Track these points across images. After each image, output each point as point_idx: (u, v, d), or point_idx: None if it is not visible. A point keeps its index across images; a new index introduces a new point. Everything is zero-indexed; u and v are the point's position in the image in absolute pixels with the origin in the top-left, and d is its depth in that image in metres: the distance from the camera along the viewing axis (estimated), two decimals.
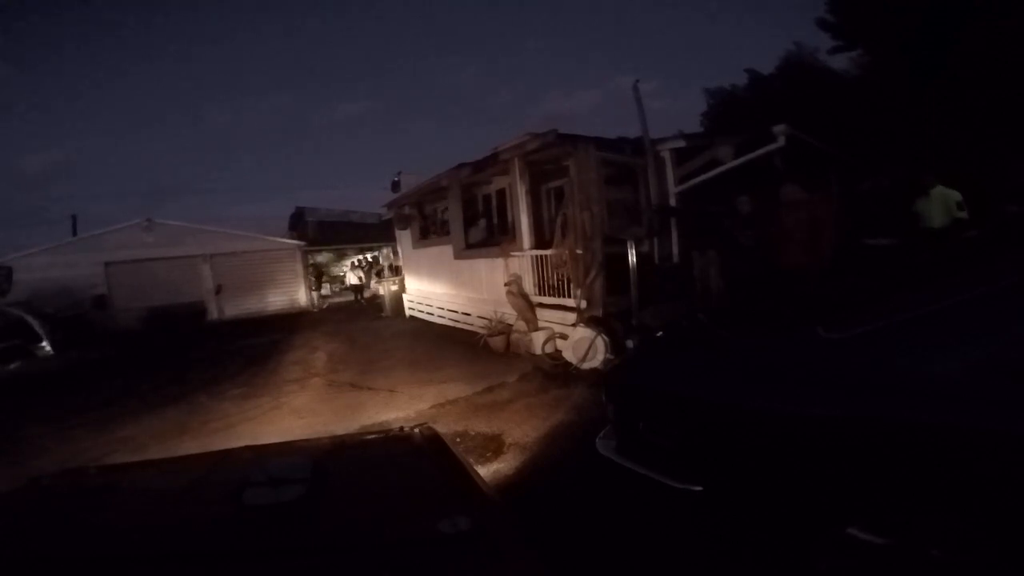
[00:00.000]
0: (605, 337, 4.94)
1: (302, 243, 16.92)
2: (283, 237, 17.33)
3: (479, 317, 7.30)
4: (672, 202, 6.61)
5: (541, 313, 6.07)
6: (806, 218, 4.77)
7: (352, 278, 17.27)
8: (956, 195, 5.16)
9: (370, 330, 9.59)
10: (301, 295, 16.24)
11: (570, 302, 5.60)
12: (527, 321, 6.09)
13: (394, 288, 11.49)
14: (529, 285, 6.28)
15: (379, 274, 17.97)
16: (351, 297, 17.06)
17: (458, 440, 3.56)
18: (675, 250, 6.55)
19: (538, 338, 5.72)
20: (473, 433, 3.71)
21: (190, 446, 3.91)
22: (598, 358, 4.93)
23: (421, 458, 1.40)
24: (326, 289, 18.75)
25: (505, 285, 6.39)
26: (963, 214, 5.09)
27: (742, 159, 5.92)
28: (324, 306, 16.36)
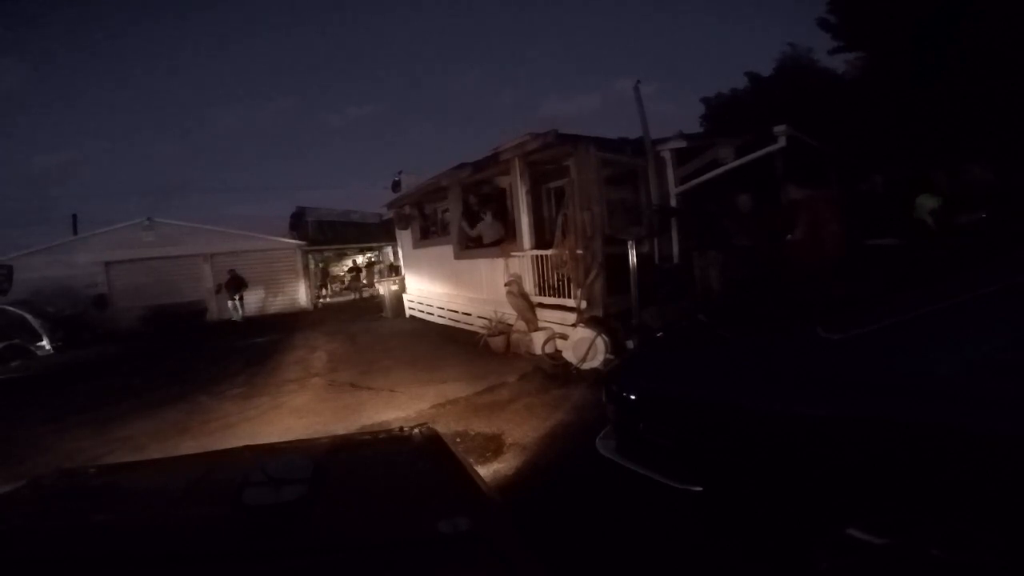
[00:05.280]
0: (605, 337, 4.94)
1: (302, 243, 16.92)
2: (284, 236, 17.34)
3: (479, 317, 7.30)
4: (673, 202, 6.61)
5: (541, 313, 6.07)
6: (810, 217, 4.75)
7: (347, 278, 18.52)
8: (934, 202, 4.97)
9: (370, 330, 9.59)
10: (301, 295, 16.23)
11: (570, 302, 5.60)
12: (527, 321, 6.09)
13: (394, 288, 11.49)
14: (529, 285, 6.28)
15: (355, 278, 18.35)
16: (350, 296, 17.56)
17: (458, 440, 3.56)
18: (675, 250, 6.55)
19: (538, 338, 5.72)
20: (473, 433, 3.71)
21: (190, 446, 3.90)
22: (598, 358, 4.93)
23: (421, 458, 1.40)
24: (327, 289, 18.81)
25: (505, 285, 6.39)
26: (931, 220, 4.89)
27: (743, 160, 5.92)
28: (322, 306, 16.37)
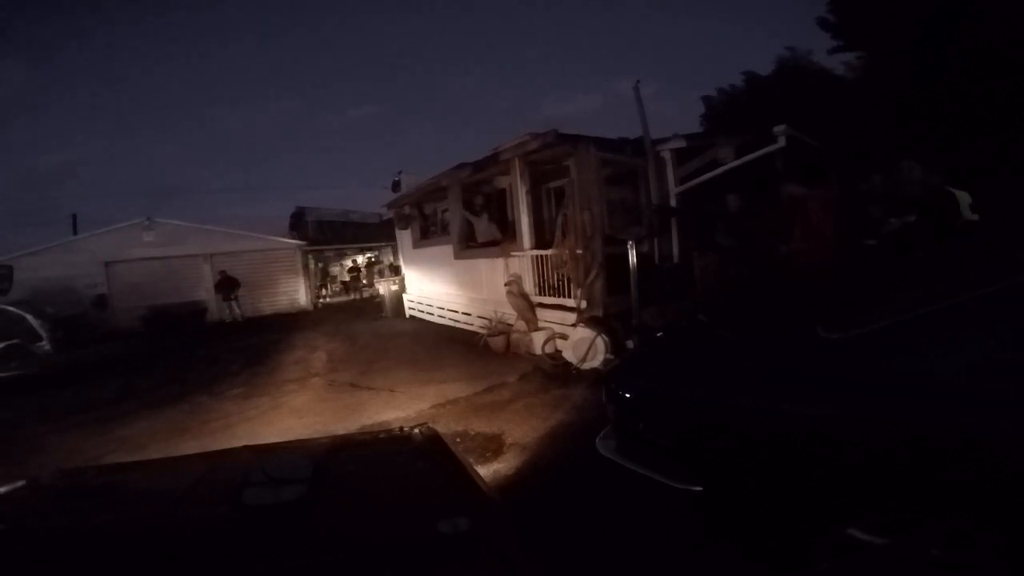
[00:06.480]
0: (605, 337, 4.94)
1: (302, 243, 16.92)
2: (284, 236, 17.33)
3: (479, 317, 7.30)
4: (672, 202, 6.61)
5: (541, 313, 6.07)
6: (806, 217, 4.77)
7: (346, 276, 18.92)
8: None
9: (370, 330, 9.58)
10: (301, 295, 16.22)
11: (570, 302, 5.60)
12: (527, 321, 6.09)
13: (394, 288, 11.49)
14: (529, 285, 6.28)
15: (355, 278, 18.35)
16: (349, 296, 17.79)
17: (458, 440, 3.56)
18: (675, 250, 6.55)
19: (538, 338, 5.72)
20: (473, 433, 3.71)
21: (190, 446, 3.90)
22: (598, 358, 4.93)
23: (421, 458, 1.40)
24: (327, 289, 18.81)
25: (505, 285, 6.39)
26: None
27: (742, 159, 5.92)
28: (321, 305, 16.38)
